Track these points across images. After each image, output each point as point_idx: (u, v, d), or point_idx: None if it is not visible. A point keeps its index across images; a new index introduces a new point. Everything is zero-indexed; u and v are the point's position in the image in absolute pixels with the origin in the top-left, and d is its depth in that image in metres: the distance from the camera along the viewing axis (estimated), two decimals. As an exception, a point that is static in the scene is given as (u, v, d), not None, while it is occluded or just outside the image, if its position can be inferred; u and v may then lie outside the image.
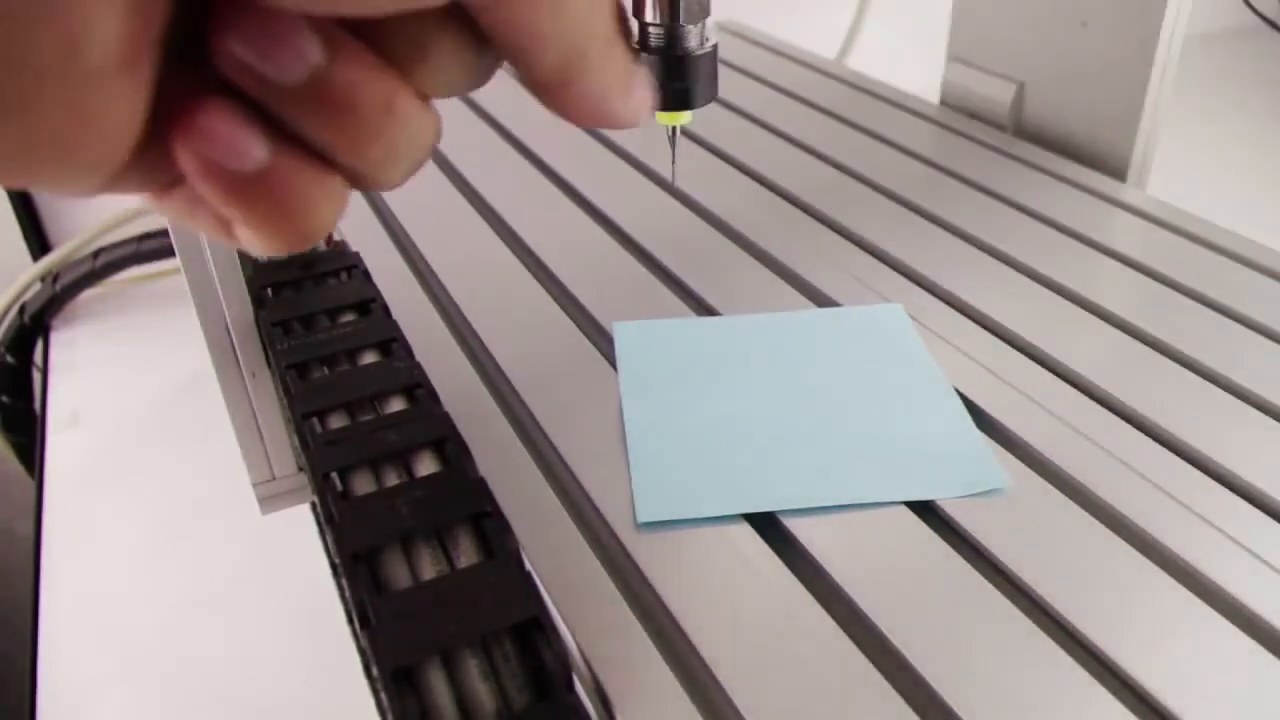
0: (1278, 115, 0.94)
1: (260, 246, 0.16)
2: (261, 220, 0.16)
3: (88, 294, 0.67)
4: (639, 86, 0.19)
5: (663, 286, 0.40)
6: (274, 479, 0.40)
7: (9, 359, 0.65)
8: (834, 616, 0.25)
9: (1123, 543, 0.27)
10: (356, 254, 0.40)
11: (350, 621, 0.37)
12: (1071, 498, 0.29)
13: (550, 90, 0.18)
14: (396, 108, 0.16)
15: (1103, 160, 0.50)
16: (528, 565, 0.25)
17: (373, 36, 0.15)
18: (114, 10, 0.12)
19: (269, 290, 0.37)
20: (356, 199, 0.48)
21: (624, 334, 0.36)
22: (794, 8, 0.84)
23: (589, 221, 0.45)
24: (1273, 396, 0.33)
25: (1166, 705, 0.23)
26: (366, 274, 0.38)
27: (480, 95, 0.59)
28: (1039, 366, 0.35)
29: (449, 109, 0.58)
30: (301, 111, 0.15)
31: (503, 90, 0.64)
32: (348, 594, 0.25)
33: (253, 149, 0.15)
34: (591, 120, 0.19)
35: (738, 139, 0.53)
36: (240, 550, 0.48)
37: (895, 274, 0.41)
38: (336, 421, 0.30)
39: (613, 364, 0.35)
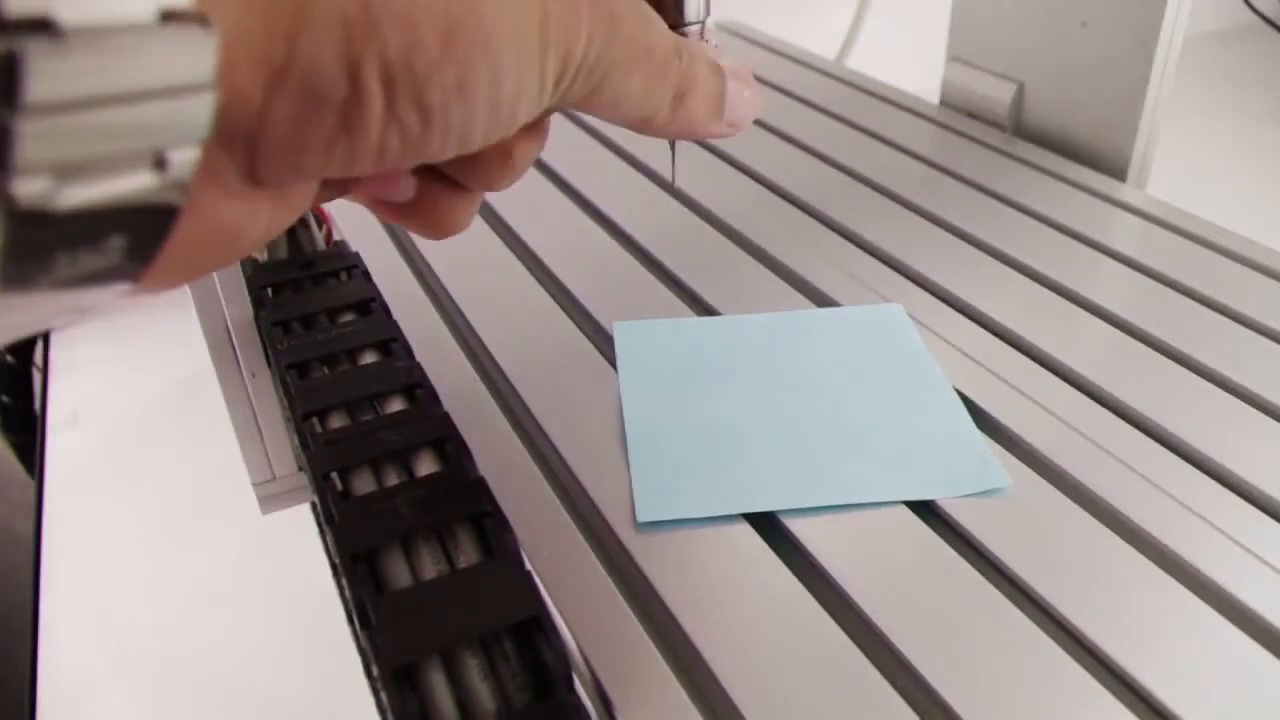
0: (1277, 115, 0.94)
1: (418, 234, 0.22)
2: (416, 227, 0.21)
3: (88, 294, 0.67)
4: (733, 104, 0.22)
5: (663, 286, 0.40)
6: (274, 479, 0.40)
7: (9, 359, 0.65)
8: (834, 616, 0.25)
9: (1123, 542, 0.27)
10: (356, 254, 0.40)
11: (350, 621, 0.37)
12: (1072, 498, 0.29)
13: (640, 129, 0.21)
14: (514, 158, 0.20)
15: (1102, 160, 0.50)
16: (528, 565, 0.25)
17: None
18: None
19: (269, 290, 0.37)
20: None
21: (624, 334, 0.36)
22: (794, 8, 0.84)
23: (589, 221, 0.45)
24: (1273, 396, 0.33)
25: (1166, 705, 0.23)
26: (366, 274, 0.38)
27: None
28: (1039, 366, 0.35)
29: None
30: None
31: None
32: (348, 594, 0.25)
33: (405, 187, 0.20)
34: (693, 139, 0.23)
35: (738, 139, 0.53)
36: (240, 550, 0.48)
37: (895, 274, 0.41)
38: (336, 421, 0.30)
39: (613, 364, 0.35)
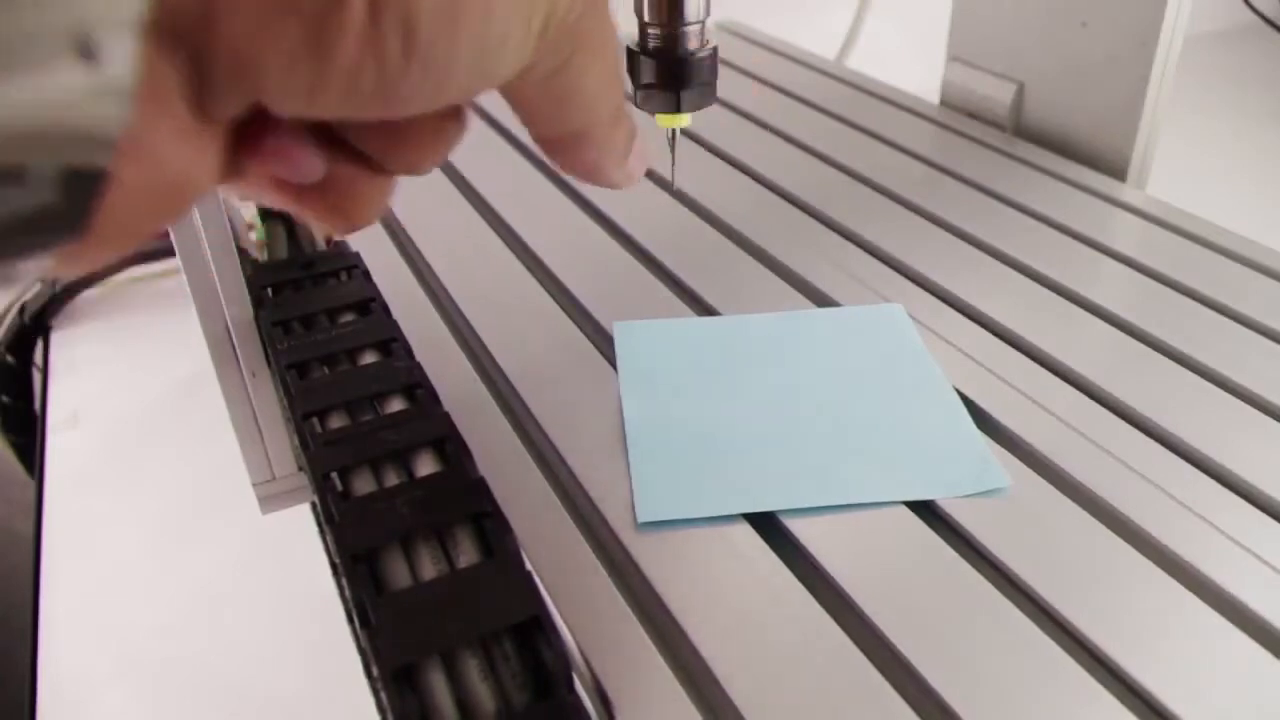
0: (1277, 115, 0.94)
1: (321, 231, 0.19)
2: (321, 214, 0.18)
3: (88, 294, 0.67)
4: (635, 158, 0.21)
5: (663, 286, 0.40)
6: (274, 479, 0.40)
7: (9, 359, 0.65)
8: (834, 616, 0.25)
9: (1122, 542, 0.27)
10: (356, 254, 0.40)
11: (350, 621, 0.37)
12: (1071, 498, 0.29)
13: (550, 149, 0.20)
14: (447, 134, 0.18)
15: (1102, 160, 0.50)
16: (528, 565, 0.25)
17: None
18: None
19: (269, 290, 0.37)
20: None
21: (624, 334, 0.36)
22: (794, 8, 0.84)
23: (589, 221, 0.45)
24: (1273, 396, 0.33)
25: (1166, 705, 0.23)
26: (366, 274, 0.38)
27: (481, 96, 0.59)
28: (1039, 366, 0.35)
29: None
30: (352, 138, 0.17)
31: (503, 90, 0.63)
32: (348, 594, 0.25)
33: (311, 166, 0.17)
34: (583, 177, 0.21)
35: (738, 139, 0.53)
36: (240, 550, 0.48)
37: (895, 274, 0.41)
38: (336, 421, 0.30)
39: (613, 364, 0.35)
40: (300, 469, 0.40)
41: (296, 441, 0.36)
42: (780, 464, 0.30)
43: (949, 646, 0.24)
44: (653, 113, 0.29)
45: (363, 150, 0.17)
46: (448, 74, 0.14)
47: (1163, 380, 0.34)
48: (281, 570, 0.47)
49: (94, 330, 0.66)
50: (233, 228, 0.34)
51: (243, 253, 0.37)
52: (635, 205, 0.46)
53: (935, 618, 0.25)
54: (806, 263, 0.41)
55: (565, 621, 0.25)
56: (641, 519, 0.28)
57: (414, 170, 0.18)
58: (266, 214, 0.41)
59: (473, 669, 0.22)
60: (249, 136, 0.15)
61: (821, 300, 0.39)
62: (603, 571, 0.27)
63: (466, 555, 0.25)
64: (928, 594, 0.26)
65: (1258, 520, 0.28)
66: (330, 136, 0.17)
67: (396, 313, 0.36)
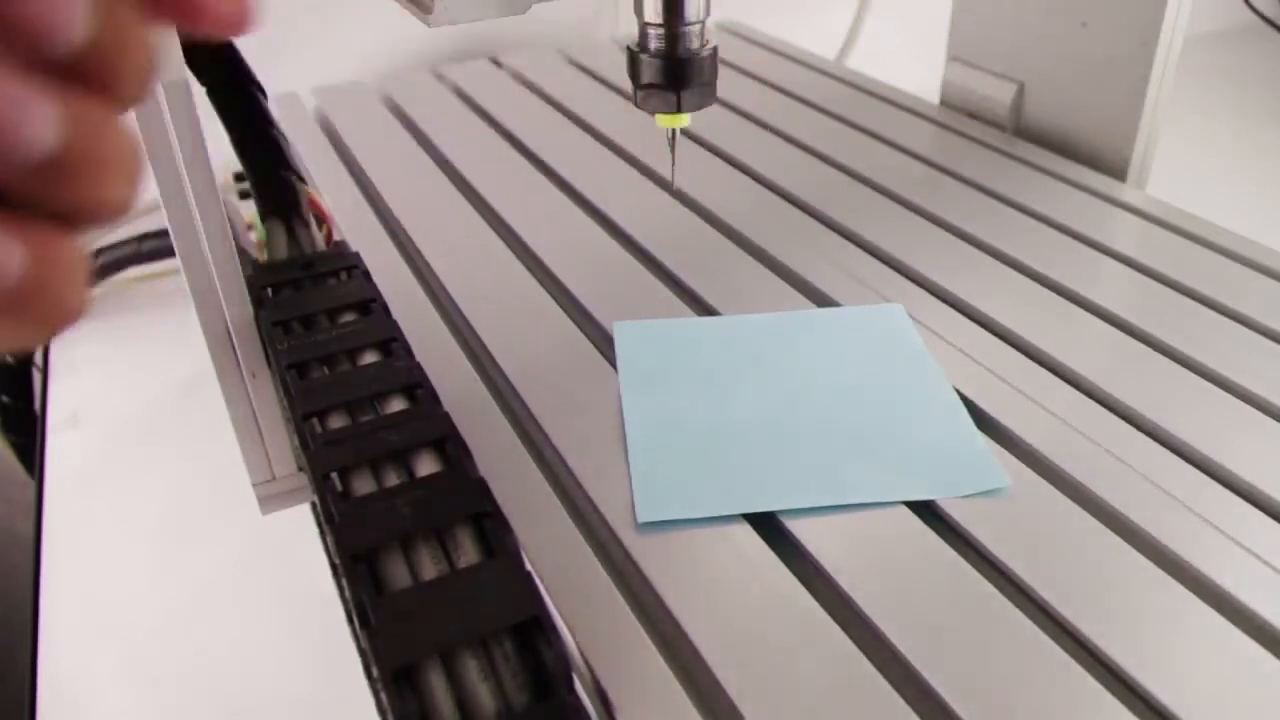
0: (1277, 115, 0.94)
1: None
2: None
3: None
4: None
5: (663, 286, 0.40)
6: (274, 479, 0.40)
7: (9, 359, 0.65)
8: (834, 616, 0.25)
9: (1122, 542, 0.27)
10: (356, 254, 0.40)
11: (350, 621, 0.37)
12: (1071, 497, 0.29)
13: None
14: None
15: (1102, 160, 0.50)
16: (528, 565, 0.25)
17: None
18: None
19: (269, 290, 0.37)
20: (355, 199, 0.48)
21: (624, 334, 0.36)
22: (794, 8, 0.84)
23: (589, 221, 0.45)
24: (1273, 396, 0.33)
25: (1166, 705, 0.23)
26: (366, 274, 0.38)
27: (480, 95, 0.59)
28: (1039, 366, 0.35)
29: (449, 109, 0.58)
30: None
31: (503, 90, 0.64)
32: (348, 594, 0.25)
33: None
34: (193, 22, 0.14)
35: (738, 139, 0.53)
36: (240, 550, 0.48)
37: (895, 274, 0.41)
38: (336, 421, 0.30)
39: (613, 364, 0.35)
40: (300, 469, 0.40)
41: (296, 441, 0.36)
42: (780, 464, 0.30)
43: (949, 646, 0.24)
44: (653, 112, 0.29)
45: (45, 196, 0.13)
46: None
47: (1163, 380, 0.34)
48: (281, 570, 0.47)
49: (94, 330, 0.66)
50: (233, 228, 0.34)
51: (243, 253, 0.37)
52: (635, 205, 0.46)
53: (935, 618, 0.25)
54: (806, 263, 0.41)
55: (565, 621, 0.25)
56: (641, 519, 0.28)
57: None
58: (266, 214, 0.41)
59: (472, 669, 0.22)
60: None
61: (821, 300, 0.39)
62: (603, 571, 0.27)
63: (466, 555, 0.25)
64: (928, 594, 0.26)
65: (1258, 520, 0.28)
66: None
67: (396, 313, 0.36)
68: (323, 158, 0.52)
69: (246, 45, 0.39)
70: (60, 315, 0.13)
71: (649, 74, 0.27)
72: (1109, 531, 0.28)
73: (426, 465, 0.28)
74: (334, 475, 0.28)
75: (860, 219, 0.45)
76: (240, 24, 0.14)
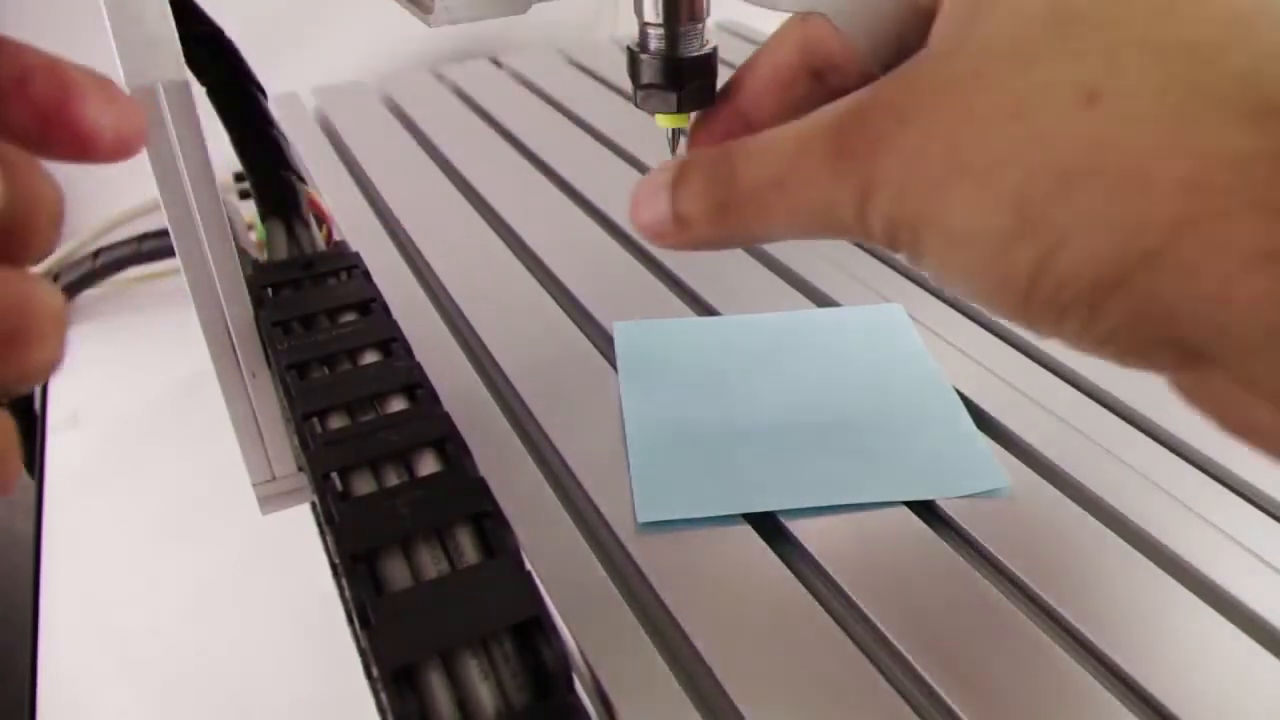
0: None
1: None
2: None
3: (88, 294, 0.67)
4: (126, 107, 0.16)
5: (663, 286, 0.40)
6: (274, 479, 0.40)
7: (9, 359, 0.65)
8: (834, 617, 0.25)
9: (1122, 542, 0.27)
10: (356, 254, 0.40)
11: (350, 621, 0.37)
12: (1071, 498, 0.29)
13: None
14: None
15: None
16: (528, 565, 0.25)
17: None
18: None
19: (269, 290, 0.37)
20: (355, 199, 0.48)
21: (624, 334, 0.36)
22: (794, 8, 0.83)
23: (589, 221, 0.45)
24: (1273, 396, 0.33)
25: (1166, 705, 0.23)
26: (366, 274, 0.38)
27: (480, 95, 0.59)
28: (1039, 366, 0.35)
29: (449, 109, 0.58)
30: None
31: (503, 90, 0.64)
32: (348, 594, 0.25)
33: None
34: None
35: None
36: (240, 550, 0.48)
37: (895, 274, 0.41)
38: (336, 421, 0.30)
39: (613, 364, 0.35)
40: (300, 469, 0.40)
41: (296, 441, 0.36)
42: (780, 464, 0.30)
43: (949, 646, 0.24)
44: (652, 113, 0.29)
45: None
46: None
47: (1163, 380, 0.34)
48: (281, 570, 0.47)
49: (94, 330, 0.66)
50: (233, 228, 0.34)
51: (243, 253, 0.37)
52: (635, 205, 0.46)
53: (935, 618, 0.25)
54: (806, 263, 0.41)
55: (565, 621, 0.25)
56: (641, 519, 0.28)
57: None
58: (266, 214, 0.41)
59: (473, 669, 0.22)
60: None
61: (821, 300, 0.39)
62: (603, 571, 0.27)
63: (466, 555, 0.25)
64: (928, 594, 0.26)
65: (1258, 520, 0.28)
66: None
67: (396, 313, 0.36)
68: (323, 158, 0.52)
69: (246, 45, 0.39)
70: None
71: (649, 74, 0.27)
72: (1109, 531, 0.28)
73: (426, 465, 0.28)
74: (334, 475, 0.28)
75: (860, 219, 0.45)
76: (128, 148, 0.15)
